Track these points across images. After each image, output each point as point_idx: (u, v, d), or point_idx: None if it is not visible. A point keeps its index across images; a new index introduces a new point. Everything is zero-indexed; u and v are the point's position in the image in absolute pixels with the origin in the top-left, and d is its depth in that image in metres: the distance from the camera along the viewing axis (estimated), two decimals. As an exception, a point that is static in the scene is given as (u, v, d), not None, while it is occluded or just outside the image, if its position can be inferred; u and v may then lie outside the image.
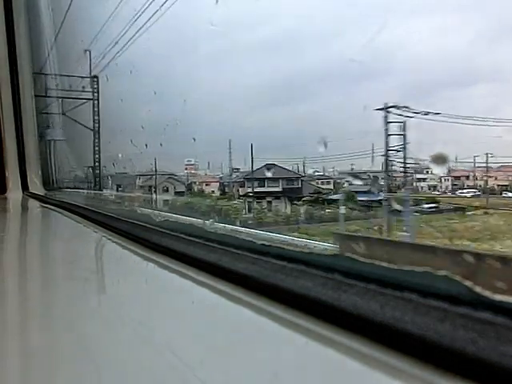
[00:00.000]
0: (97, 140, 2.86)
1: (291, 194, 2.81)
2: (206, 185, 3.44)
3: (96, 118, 2.87)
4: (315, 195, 2.71)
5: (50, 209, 1.69)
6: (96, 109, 2.88)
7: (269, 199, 2.87)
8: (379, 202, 2.07)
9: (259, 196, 2.90)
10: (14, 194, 2.30)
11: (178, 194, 3.25)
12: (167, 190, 3.19)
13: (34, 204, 2.10)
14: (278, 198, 2.84)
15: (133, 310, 0.52)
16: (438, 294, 0.31)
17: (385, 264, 0.38)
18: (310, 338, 0.36)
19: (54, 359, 0.40)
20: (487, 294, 0.30)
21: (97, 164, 2.94)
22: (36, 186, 2.37)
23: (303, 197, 2.78)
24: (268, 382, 0.32)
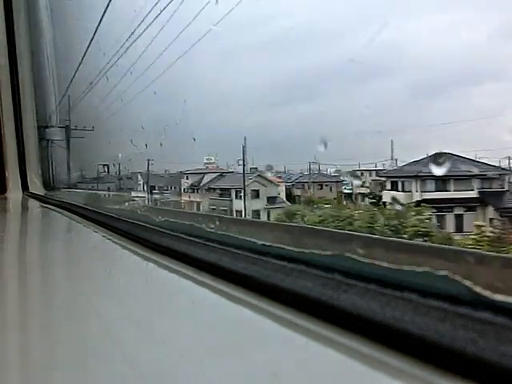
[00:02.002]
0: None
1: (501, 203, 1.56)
2: (326, 186, 2.58)
3: None
4: None
5: (50, 209, 1.69)
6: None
7: (458, 211, 1.64)
8: None
9: (441, 206, 1.65)
10: (14, 194, 2.30)
11: (270, 200, 2.32)
12: (258, 195, 2.27)
13: (34, 204, 2.10)
14: (471, 208, 1.68)
15: (132, 309, 0.52)
16: (438, 294, 0.31)
17: (385, 264, 0.38)
18: (310, 338, 0.36)
19: (54, 358, 0.40)
20: (487, 293, 0.30)
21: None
22: (36, 186, 2.37)
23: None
24: (268, 382, 0.32)
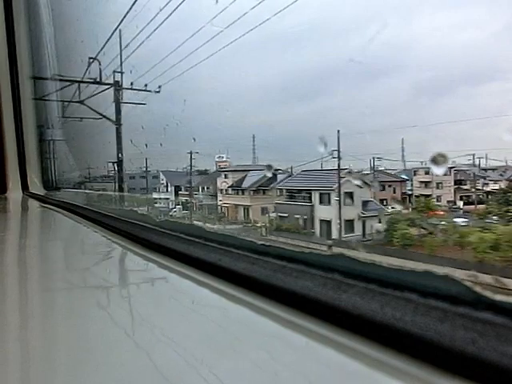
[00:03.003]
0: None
1: None
2: (389, 186, 1.89)
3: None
4: None
5: (49, 209, 1.68)
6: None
7: None
8: None
9: None
10: (14, 193, 2.30)
11: (364, 205, 1.45)
12: (352, 200, 1.49)
13: (33, 204, 2.09)
14: None
15: (133, 309, 0.52)
16: (438, 294, 0.31)
17: (385, 264, 0.38)
18: (310, 338, 0.36)
19: (55, 358, 0.40)
20: (487, 294, 0.30)
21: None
22: (36, 185, 2.37)
23: None
24: (268, 382, 0.32)
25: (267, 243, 0.51)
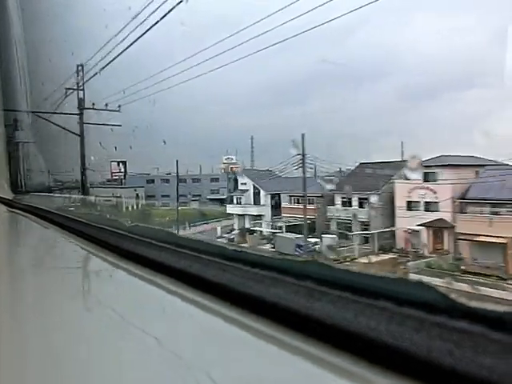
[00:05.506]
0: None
1: None
2: None
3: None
4: None
5: (16, 213, 1.62)
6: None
7: None
8: None
9: None
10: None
11: None
12: None
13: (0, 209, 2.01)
14: None
15: (102, 317, 0.50)
16: (413, 302, 0.30)
17: (359, 270, 0.37)
18: (281, 347, 0.34)
19: (23, 362, 0.38)
20: (462, 300, 0.29)
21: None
22: (3, 189, 2.28)
23: None
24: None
25: (239, 249, 0.49)
